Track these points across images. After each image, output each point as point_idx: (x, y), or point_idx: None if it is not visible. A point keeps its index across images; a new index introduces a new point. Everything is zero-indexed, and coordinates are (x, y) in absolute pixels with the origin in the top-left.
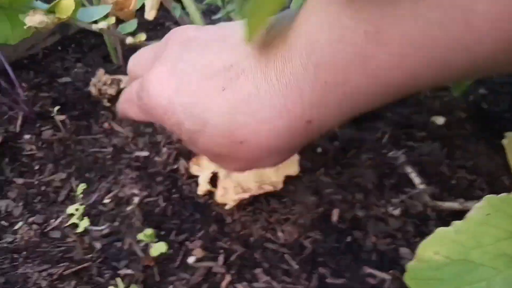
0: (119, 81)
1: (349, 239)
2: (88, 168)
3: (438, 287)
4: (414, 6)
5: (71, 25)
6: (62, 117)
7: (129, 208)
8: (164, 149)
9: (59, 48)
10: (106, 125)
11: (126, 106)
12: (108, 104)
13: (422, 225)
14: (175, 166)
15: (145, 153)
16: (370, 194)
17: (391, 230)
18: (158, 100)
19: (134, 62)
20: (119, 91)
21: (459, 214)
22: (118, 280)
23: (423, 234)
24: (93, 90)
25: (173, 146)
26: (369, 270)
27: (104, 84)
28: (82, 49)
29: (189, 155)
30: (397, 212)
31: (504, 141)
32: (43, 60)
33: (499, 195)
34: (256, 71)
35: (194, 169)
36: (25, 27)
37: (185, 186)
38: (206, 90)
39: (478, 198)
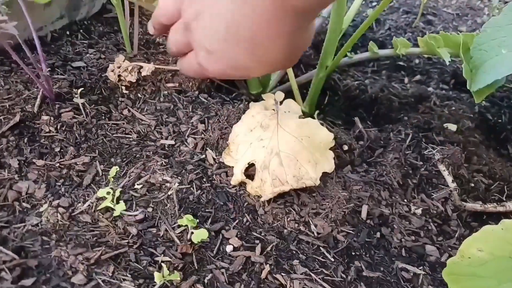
0: (140, 67)
1: (378, 235)
2: (112, 153)
3: (478, 283)
4: None
5: (79, 10)
6: (82, 100)
7: (163, 194)
8: (190, 139)
9: (68, 32)
10: (126, 112)
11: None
12: (126, 92)
13: (443, 224)
14: (203, 156)
15: (170, 142)
16: (395, 193)
17: (415, 228)
18: (215, 73)
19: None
20: (139, 79)
21: (479, 216)
22: (163, 266)
23: (445, 233)
24: (111, 75)
25: (199, 136)
26: (401, 265)
27: (125, 70)
28: (92, 35)
29: (217, 146)
30: (419, 211)
31: None
32: (52, 43)
33: None
34: None
35: (227, 160)
36: None
37: (216, 176)
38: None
39: (496, 201)
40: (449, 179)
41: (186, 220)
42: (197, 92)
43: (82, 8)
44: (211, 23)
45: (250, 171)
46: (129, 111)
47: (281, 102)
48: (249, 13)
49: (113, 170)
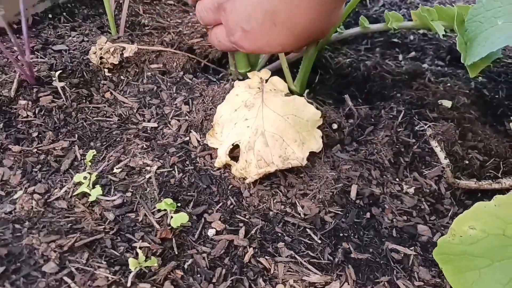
0: (123, 49)
1: (368, 215)
2: (92, 137)
3: (470, 263)
4: None
5: None
6: (61, 84)
7: (142, 178)
8: (173, 121)
9: (50, 16)
10: (108, 94)
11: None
12: (109, 74)
13: (437, 203)
14: (186, 139)
15: (153, 124)
16: (386, 172)
17: (407, 207)
18: (250, 49)
19: None
20: (122, 61)
21: (473, 194)
22: (139, 251)
23: (439, 212)
24: (93, 58)
25: (183, 118)
26: (392, 245)
27: (107, 52)
28: (75, 18)
29: (201, 128)
30: (411, 190)
31: (511, 125)
32: (33, 27)
33: None
34: None
35: (211, 142)
36: None
37: (200, 159)
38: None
39: (491, 178)
40: (441, 155)
41: (165, 204)
42: (182, 73)
43: None
44: (248, 6)
45: (235, 153)
46: (111, 94)
47: (266, 80)
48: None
49: (90, 154)
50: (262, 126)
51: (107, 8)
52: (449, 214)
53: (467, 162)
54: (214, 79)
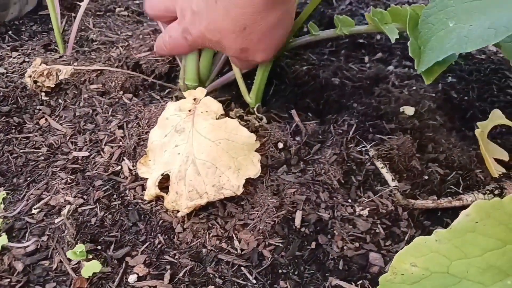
0: (58, 71)
1: (313, 245)
2: (16, 172)
3: None
4: None
5: (9, 10)
6: None
7: (61, 219)
8: (106, 148)
9: None
10: (43, 121)
11: (174, 48)
12: (45, 98)
13: (393, 226)
14: (118, 168)
15: (84, 153)
16: (336, 193)
17: (359, 232)
18: (195, 35)
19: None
20: (60, 83)
21: (433, 213)
22: None
23: (395, 236)
24: (28, 81)
25: (116, 144)
26: (335, 281)
27: (41, 75)
28: (21, 36)
29: (134, 155)
30: (365, 212)
31: (477, 132)
32: None
33: (490, 200)
34: None
35: (142, 171)
36: None
37: (129, 191)
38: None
39: (452, 194)
40: (388, 177)
41: (73, 253)
42: (121, 92)
43: (12, 7)
44: None
45: (168, 183)
46: (46, 120)
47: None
48: None
49: (0, 196)
50: (193, 153)
51: (54, 24)
52: (406, 238)
53: (426, 177)
54: (158, 97)
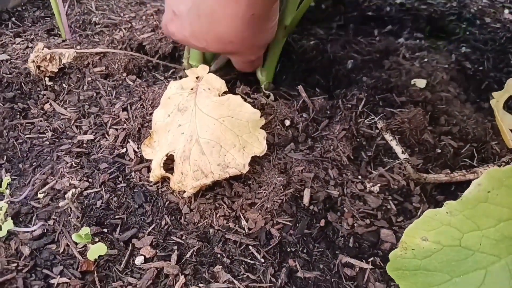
0: (61, 55)
1: (322, 223)
2: (22, 157)
3: (427, 279)
4: None
5: None
6: None
7: (66, 202)
8: (111, 131)
9: None
10: (47, 106)
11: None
12: (49, 83)
13: (405, 201)
14: (123, 150)
15: (89, 137)
16: (346, 170)
17: (370, 209)
18: (177, 37)
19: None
20: (64, 67)
21: (446, 187)
22: None
23: (407, 211)
24: (31, 67)
25: (120, 126)
26: (346, 259)
27: (44, 59)
28: (24, 22)
29: (138, 137)
30: (376, 188)
31: (492, 102)
32: None
33: (503, 168)
34: None
35: (146, 152)
36: None
37: (135, 173)
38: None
39: (466, 168)
40: (398, 149)
41: (79, 236)
42: (124, 74)
43: None
44: None
45: (174, 164)
46: (50, 105)
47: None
48: None
49: (5, 182)
50: (197, 132)
51: (55, 9)
52: (418, 214)
53: (439, 151)
54: (162, 78)
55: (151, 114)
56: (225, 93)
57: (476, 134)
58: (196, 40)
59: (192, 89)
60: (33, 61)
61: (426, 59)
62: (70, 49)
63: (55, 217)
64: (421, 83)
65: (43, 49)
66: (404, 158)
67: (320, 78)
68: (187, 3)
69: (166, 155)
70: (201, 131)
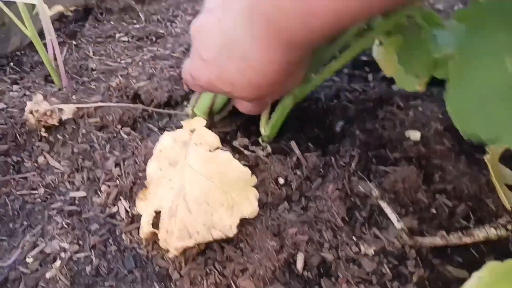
0: (61, 112)
1: None
2: (13, 216)
3: None
4: None
5: (10, 40)
6: None
7: (54, 269)
8: (103, 187)
9: None
10: (41, 159)
11: (188, 84)
12: (45, 134)
13: (400, 265)
14: (115, 209)
15: (81, 193)
16: (340, 231)
17: (365, 274)
18: (203, 82)
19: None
20: (61, 121)
21: (442, 250)
22: None
23: (402, 276)
24: (30, 118)
25: (113, 183)
26: None
27: (44, 114)
28: (22, 68)
29: (130, 195)
30: (371, 250)
31: (486, 157)
32: None
33: (504, 262)
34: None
35: (141, 207)
36: None
37: (125, 235)
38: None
39: (462, 229)
40: (393, 217)
41: None
42: (119, 126)
43: (13, 38)
44: (211, 35)
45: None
46: (44, 157)
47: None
48: (246, 35)
49: None
50: (185, 188)
51: (44, 57)
52: (414, 279)
53: (434, 211)
54: (156, 128)
55: (143, 170)
56: (217, 148)
57: (471, 192)
58: (222, 83)
59: (184, 142)
60: (31, 113)
61: (420, 108)
62: (70, 105)
63: (43, 285)
64: (415, 135)
65: (43, 101)
66: (399, 228)
67: (314, 131)
68: (217, 46)
69: (155, 211)
70: (189, 187)
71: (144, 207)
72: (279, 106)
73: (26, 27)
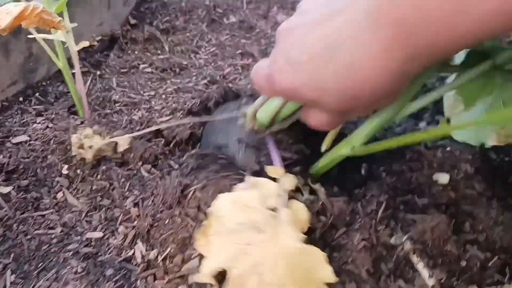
0: (101, 149)
1: None
2: (28, 257)
3: None
4: None
5: (37, 71)
6: (7, 188)
7: None
8: (121, 228)
9: (21, 99)
10: (60, 195)
11: (259, 88)
12: (66, 172)
13: None
14: (131, 252)
15: (98, 234)
16: (364, 284)
17: None
18: (284, 86)
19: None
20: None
21: None
22: None
23: None
24: (80, 152)
25: (130, 224)
26: None
27: (100, 149)
28: (47, 98)
29: (147, 238)
30: None
31: None
32: (0, 115)
33: None
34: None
35: (201, 243)
36: None
37: (140, 282)
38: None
39: (495, 284)
40: (425, 273)
41: None
42: (140, 163)
43: (40, 68)
44: (308, 37)
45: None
46: (63, 194)
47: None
48: (364, 39)
49: None
50: (263, 265)
51: (72, 89)
52: None
53: (464, 263)
54: (177, 166)
55: (161, 211)
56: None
57: (504, 243)
58: (308, 89)
59: (273, 210)
60: (79, 147)
61: (448, 148)
62: (124, 136)
63: None
64: (443, 178)
65: (92, 135)
66: (432, 284)
67: (339, 173)
68: (315, 48)
69: (222, 268)
70: (269, 267)
71: (205, 247)
72: (330, 155)
73: (58, 58)
